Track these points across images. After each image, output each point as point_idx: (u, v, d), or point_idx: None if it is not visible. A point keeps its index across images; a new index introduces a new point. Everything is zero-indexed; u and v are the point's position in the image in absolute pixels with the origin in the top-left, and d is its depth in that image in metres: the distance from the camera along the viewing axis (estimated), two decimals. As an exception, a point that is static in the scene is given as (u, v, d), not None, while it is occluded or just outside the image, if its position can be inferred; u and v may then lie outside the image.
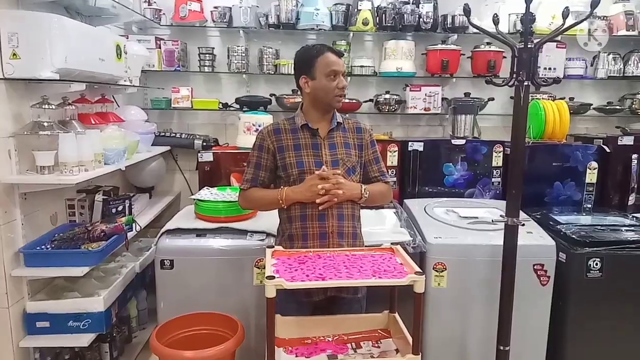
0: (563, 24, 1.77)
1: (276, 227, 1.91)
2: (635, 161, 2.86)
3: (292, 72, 3.12)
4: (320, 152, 1.78)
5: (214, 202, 2.29)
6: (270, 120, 3.06)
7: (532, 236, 2.26)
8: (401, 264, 1.60)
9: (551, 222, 2.48)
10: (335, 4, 3.18)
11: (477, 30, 3.13)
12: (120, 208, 2.49)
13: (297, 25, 3.16)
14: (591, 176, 2.91)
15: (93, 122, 2.39)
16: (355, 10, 3.14)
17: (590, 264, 2.21)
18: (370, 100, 3.33)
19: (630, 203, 2.90)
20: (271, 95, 3.26)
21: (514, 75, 1.79)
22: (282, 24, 3.16)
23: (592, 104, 3.30)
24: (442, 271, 2.19)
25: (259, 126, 2.98)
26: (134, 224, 2.45)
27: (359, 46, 3.37)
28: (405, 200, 2.76)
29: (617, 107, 3.33)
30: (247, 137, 3.00)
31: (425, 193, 2.92)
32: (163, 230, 2.23)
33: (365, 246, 1.83)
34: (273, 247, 1.75)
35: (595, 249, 2.21)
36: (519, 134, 1.83)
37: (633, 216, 2.67)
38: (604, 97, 3.43)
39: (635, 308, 2.27)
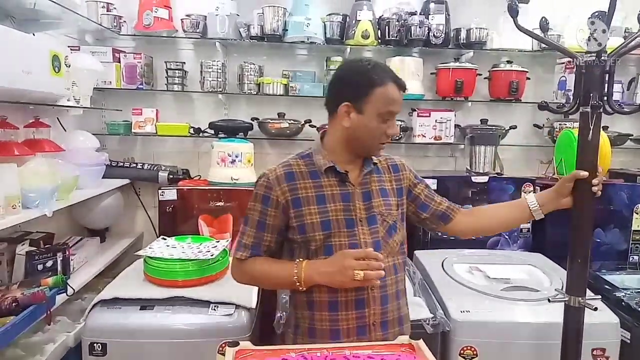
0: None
1: (251, 292, 1.36)
2: (693, 205, 2.35)
3: (283, 92, 2.71)
4: (353, 206, 1.26)
5: (168, 261, 1.73)
6: (250, 150, 2.54)
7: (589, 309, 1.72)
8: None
9: (602, 286, 1.95)
10: (330, 14, 2.70)
11: (498, 46, 2.75)
12: (49, 264, 1.92)
13: (284, 37, 2.67)
14: (639, 222, 2.40)
15: (16, 153, 1.83)
16: (354, 21, 2.65)
17: (664, 348, 1.68)
18: (371, 126, 2.80)
19: (686, 255, 2.38)
20: (253, 119, 2.74)
21: (579, 99, 1.28)
22: (266, 35, 2.66)
23: (631, 135, 2.82)
24: (473, 358, 1.64)
25: (236, 157, 2.46)
26: (66, 286, 1.88)
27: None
28: (416, 252, 2.22)
29: (659, 138, 2.84)
30: (221, 170, 2.47)
31: (439, 241, 2.36)
32: (96, 300, 1.65)
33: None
34: (236, 344, 1.17)
35: (671, 327, 1.68)
36: (586, 180, 1.31)
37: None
38: (638, 126, 2.95)
39: None
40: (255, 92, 2.73)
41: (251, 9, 2.68)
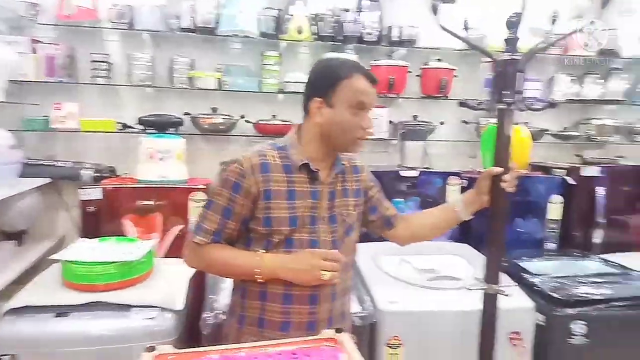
0: (548, 34, 1.37)
1: (177, 294, 1.32)
2: (602, 194, 2.55)
3: (216, 86, 2.65)
4: (319, 204, 1.28)
5: (88, 264, 1.64)
6: (181, 146, 2.46)
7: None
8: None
9: (519, 273, 2.07)
10: (265, 8, 2.66)
11: (428, 45, 2.83)
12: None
13: (217, 30, 2.60)
14: (554, 211, 2.58)
15: None
16: (287, 16, 2.64)
17: (573, 328, 1.81)
18: (306, 122, 2.81)
19: (596, 241, 2.57)
20: (185, 114, 2.66)
21: (495, 96, 1.35)
22: (198, 28, 2.58)
23: (548, 130, 3.00)
24: (397, 347, 1.69)
25: (166, 153, 2.38)
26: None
27: (293, 58, 2.86)
28: (349, 246, 2.25)
29: (574, 133, 3.06)
30: (149, 167, 2.37)
31: (371, 235, 2.41)
32: (5, 309, 1.54)
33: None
34: (153, 349, 1.13)
35: (579, 309, 1.81)
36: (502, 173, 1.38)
37: (602, 259, 2.34)
38: (558, 122, 3.15)
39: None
40: (187, 86, 2.65)
41: (181, 0, 2.59)
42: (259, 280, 1.23)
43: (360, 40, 2.71)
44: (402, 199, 2.45)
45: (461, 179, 2.52)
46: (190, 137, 2.68)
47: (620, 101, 3.01)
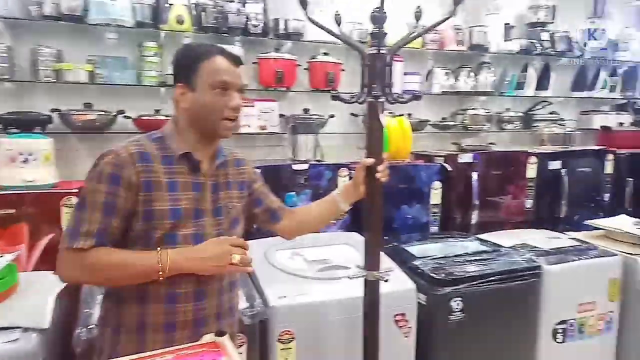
0: (415, 29, 1.44)
1: (43, 310, 1.23)
2: (476, 178, 2.78)
3: (88, 79, 2.43)
4: (202, 197, 1.23)
5: None
6: (48, 146, 2.22)
7: (390, 278, 1.90)
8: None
9: (404, 257, 2.19)
10: (140, -5, 2.49)
11: (314, 38, 2.86)
12: None
13: (86, 18, 2.38)
14: (435, 197, 2.76)
15: None
16: (166, 5, 2.49)
17: (452, 305, 1.95)
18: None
19: (473, 222, 2.81)
20: (53, 110, 2.40)
21: (365, 89, 1.38)
22: (64, 16, 2.34)
23: (429, 121, 3.21)
24: (290, 342, 1.69)
25: (30, 155, 2.13)
26: None
27: (175, 50, 2.70)
28: (241, 244, 2.21)
29: (451, 123, 3.30)
30: (11, 171, 2.10)
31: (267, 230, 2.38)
32: None
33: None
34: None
35: (455, 287, 1.96)
36: (375, 164, 1.42)
37: (478, 238, 2.56)
38: (437, 113, 3.38)
39: (498, 345, 2.08)
40: (54, 80, 2.40)
41: (41, -16, 2.32)
42: (160, 279, 1.15)
43: (245, 32, 2.66)
44: (294, 192, 2.46)
45: (349, 170, 2.58)
46: (62, 137, 2.44)
47: (490, 93, 3.31)
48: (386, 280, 1.45)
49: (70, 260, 1.14)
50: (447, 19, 1.43)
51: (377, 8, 1.33)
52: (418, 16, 1.44)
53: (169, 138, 1.23)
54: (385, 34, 1.38)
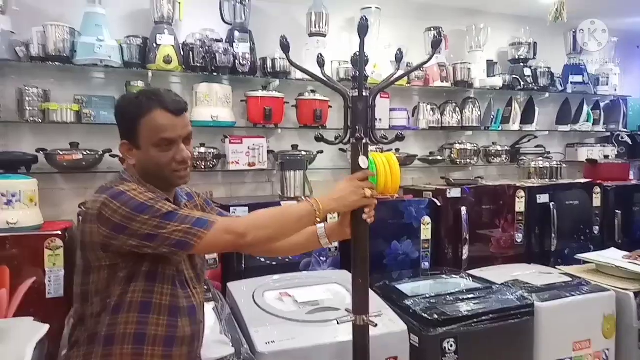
0: (397, 70, 1.45)
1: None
2: (465, 213, 2.77)
3: (75, 119, 2.41)
4: None
5: None
6: (32, 187, 2.19)
7: (381, 320, 1.85)
8: None
9: (395, 296, 2.14)
10: (128, 37, 2.52)
11: (302, 76, 2.89)
12: None
13: (73, 59, 2.39)
14: (425, 232, 2.74)
15: None
16: (154, 44, 2.52)
17: (445, 347, 1.90)
18: (182, 155, 2.67)
19: (464, 257, 2.78)
20: (39, 150, 2.37)
21: (349, 131, 1.38)
22: (50, 57, 2.35)
23: (417, 155, 3.22)
24: (278, 389, 1.62)
25: (13, 196, 2.10)
26: None
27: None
28: (229, 285, 2.15)
29: (439, 157, 3.32)
30: (-5, 214, 2.06)
31: (255, 269, 2.31)
32: None
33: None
34: None
35: (448, 328, 1.91)
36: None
37: (469, 275, 2.54)
38: (425, 147, 3.41)
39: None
40: (40, 120, 2.38)
41: (30, 27, 2.34)
42: (317, 220, 1.25)
43: (233, 71, 2.68)
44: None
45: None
46: (48, 176, 2.42)
47: (476, 127, 3.35)
48: (375, 325, 1.40)
49: (224, 230, 1.16)
50: (425, 62, 1.46)
51: (356, 52, 1.34)
52: (399, 58, 1.45)
53: (136, 182, 1.24)
54: (367, 76, 1.39)
